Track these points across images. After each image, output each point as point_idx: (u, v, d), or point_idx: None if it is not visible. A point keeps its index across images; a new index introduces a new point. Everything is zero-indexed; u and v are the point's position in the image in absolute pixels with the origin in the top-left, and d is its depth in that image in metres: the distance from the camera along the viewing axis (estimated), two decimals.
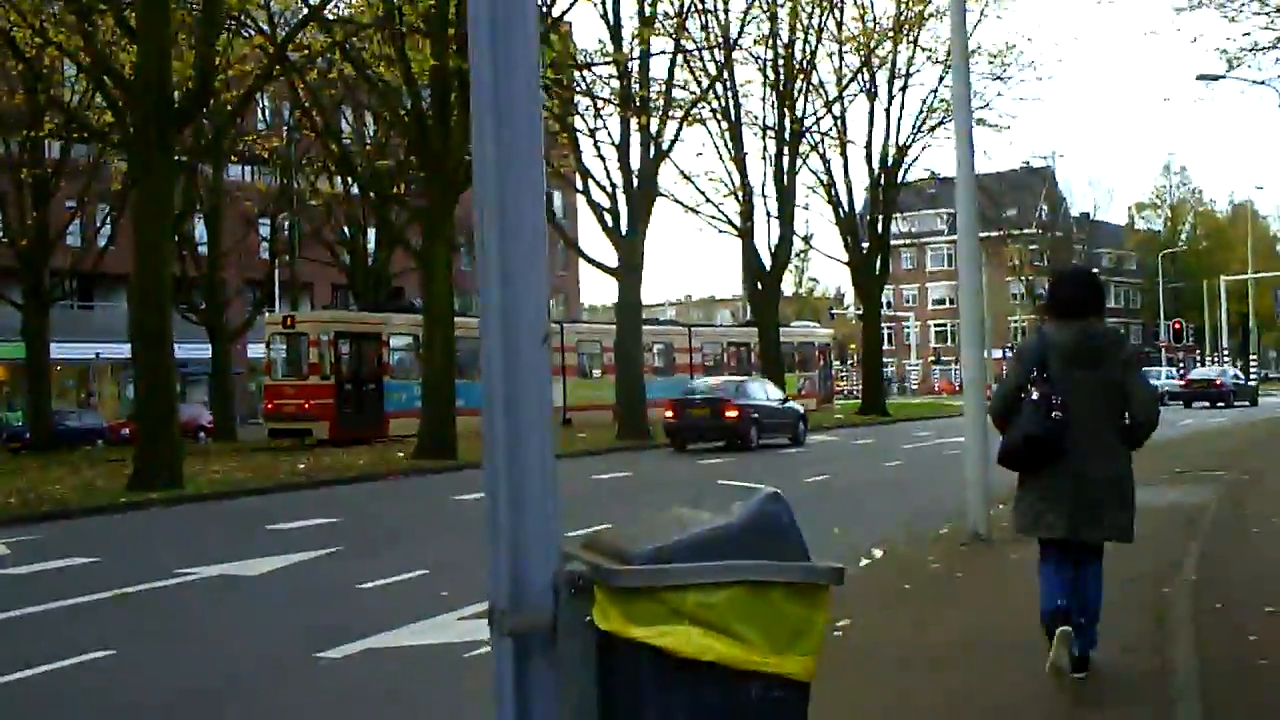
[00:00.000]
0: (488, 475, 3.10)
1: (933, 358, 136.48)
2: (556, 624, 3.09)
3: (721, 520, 3.15)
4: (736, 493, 3.28)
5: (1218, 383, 68.84)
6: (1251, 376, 78.16)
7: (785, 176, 52.78)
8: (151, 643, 11.91)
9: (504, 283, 3.05)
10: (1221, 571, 12.56)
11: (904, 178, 61.82)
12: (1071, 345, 8.12)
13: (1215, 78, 39.32)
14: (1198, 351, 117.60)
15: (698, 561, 3.05)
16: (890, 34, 54.81)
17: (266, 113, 62.03)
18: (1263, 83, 40.69)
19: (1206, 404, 64.69)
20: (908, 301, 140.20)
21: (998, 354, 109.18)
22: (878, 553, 15.07)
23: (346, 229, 57.17)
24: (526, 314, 3.05)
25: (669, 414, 38.87)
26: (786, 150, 52.71)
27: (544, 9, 39.14)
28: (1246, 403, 67.22)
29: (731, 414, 37.82)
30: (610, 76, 44.58)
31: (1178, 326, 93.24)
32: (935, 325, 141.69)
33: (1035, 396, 8.02)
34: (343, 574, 15.13)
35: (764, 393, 40.48)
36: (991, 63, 54.48)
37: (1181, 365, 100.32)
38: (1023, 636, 10.00)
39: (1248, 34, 36.08)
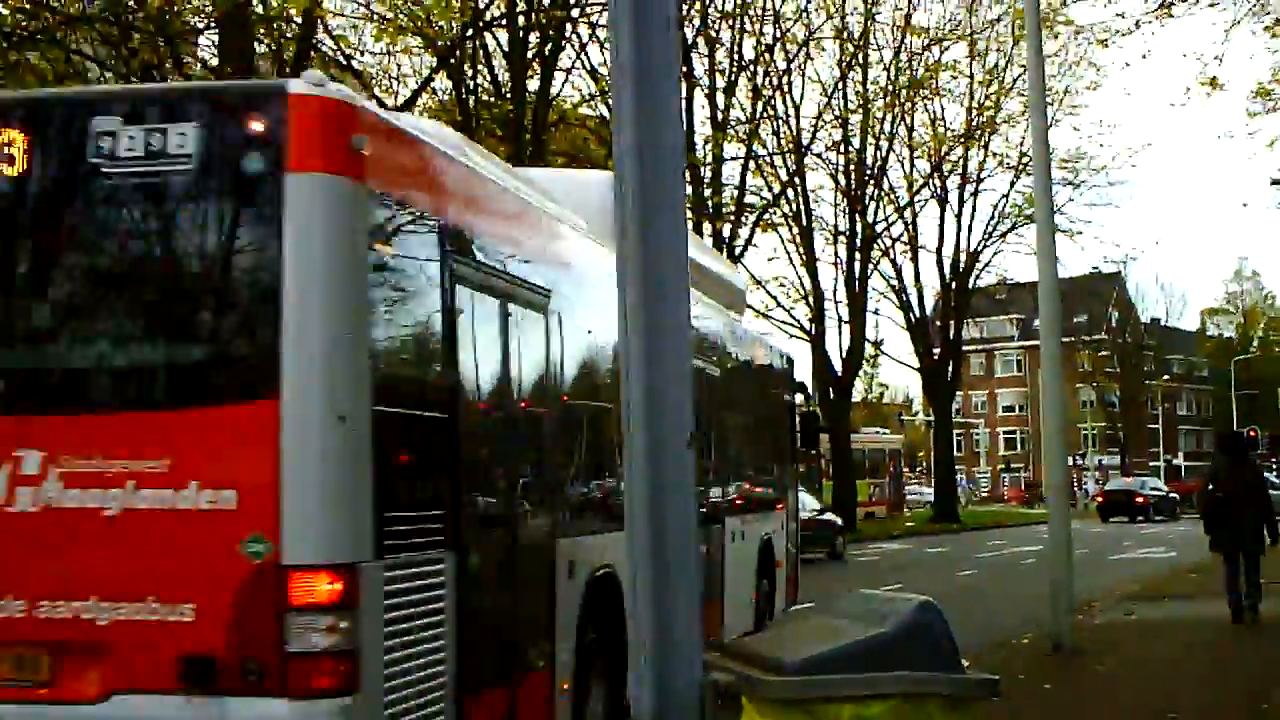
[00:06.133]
0: (629, 580, 3.03)
1: (1002, 465, 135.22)
2: None
3: (875, 630, 3.06)
4: (883, 601, 3.20)
5: None
6: None
7: (856, 282, 52.66)
8: None
9: (649, 384, 3.00)
10: None
11: (975, 283, 61.57)
12: (1229, 465, 18.08)
13: None
14: (1272, 460, 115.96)
15: (852, 673, 2.96)
16: (961, 140, 54.86)
17: None
18: None
19: None
20: (977, 408, 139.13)
21: (1069, 462, 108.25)
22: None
23: None
24: (672, 414, 3.00)
25: None
26: (858, 255, 52.64)
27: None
28: None
29: None
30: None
31: (1252, 434, 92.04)
32: (1005, 432, 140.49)
33: (1208, 493, 18.42)
34: None
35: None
36: (1064, 168, 54.24)
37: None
38: None
39: None
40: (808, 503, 37.45)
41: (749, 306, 49.88)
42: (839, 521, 40.34)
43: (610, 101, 18.02)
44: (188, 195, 6.78)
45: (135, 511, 6.48)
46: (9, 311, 7.07)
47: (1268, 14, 28.06)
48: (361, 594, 6.37)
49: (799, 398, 19.74)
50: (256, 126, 6.64)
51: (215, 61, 31.18)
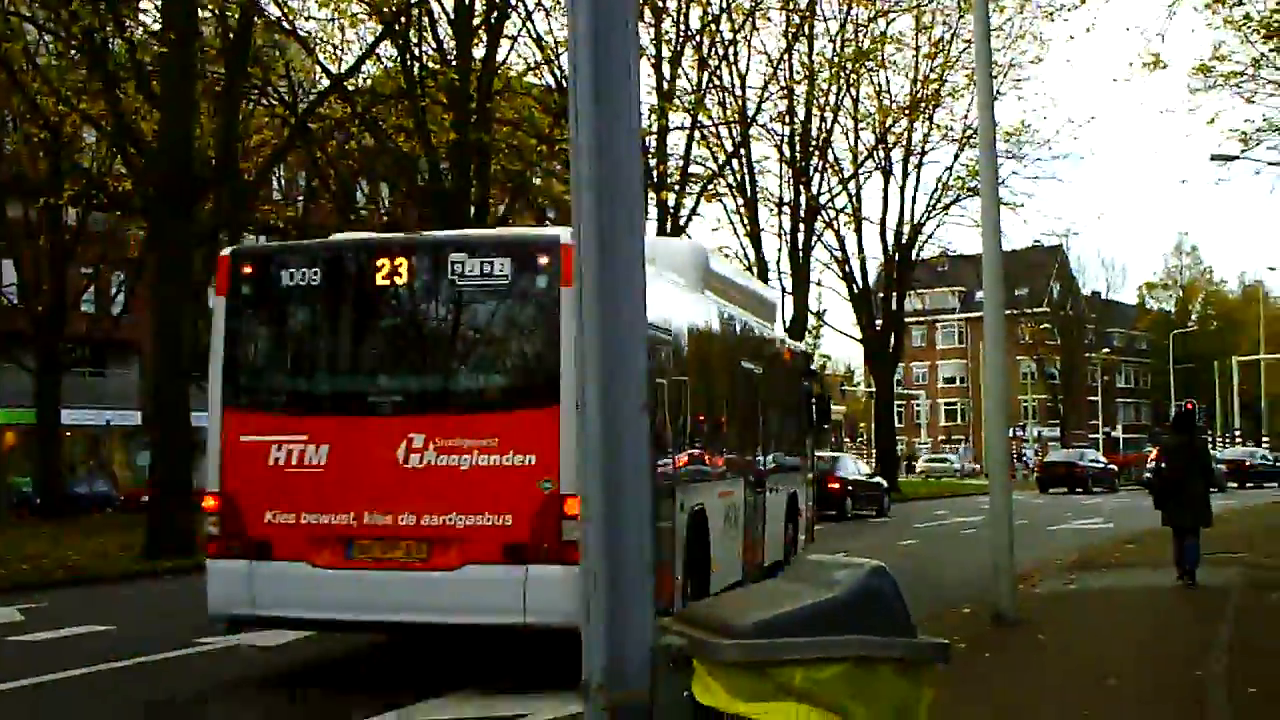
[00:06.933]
0: (584, 546, 3.04)
1: (943, 436, 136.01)
2: (653, 699, 3.01)
3: (826, 594, 3.07)
4: (835, 566, 3.21)
5: (1246, 464, 69.61)
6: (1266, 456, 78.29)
7: (800, 253, 52.81)
8: (169, 714, 11.79)
9: (604, 353, 3.00)
10: (1253, 655, 12.44)
11: (919, 255, 61.82)
12: (1178, 444, 19.31)
13: (1229, 158, 39.10)
14: (1209, 432, 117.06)
15: (804, 636, 2.97)
16: (906, 112, 54.96)
17: (282, 182, 62.12)
18: (1278, 163, 40.15)
19: (1235, 484, 64.61)
20: (918, 379, 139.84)
21: (1009, 434, 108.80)
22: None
23: None
24: (626, 382, 3.00)
25: None
26: (801, 226, 52.76)
27: (561, 83, 39.29)
28: (1277, 484, 67.70)
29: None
30: None
31: (1190, 407, 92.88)
32: (945, 404, 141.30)
33: (1152, 467, 23.66)
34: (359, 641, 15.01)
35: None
36: (1007, 140, 54.33)
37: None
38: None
39: (1266, 116, 36.09)
40: (861, 468, 47.30)
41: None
42: (885, 484, 48.26)
43: (555, 71, 18.61)
44: (505, 298, 12.13)
45: (479, 466, 11.61)
46: (401, 358, 12.67)
47: None
48: None
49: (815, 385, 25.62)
50: (543, 260, 11.79)
51: (157, 26, 30.92)
